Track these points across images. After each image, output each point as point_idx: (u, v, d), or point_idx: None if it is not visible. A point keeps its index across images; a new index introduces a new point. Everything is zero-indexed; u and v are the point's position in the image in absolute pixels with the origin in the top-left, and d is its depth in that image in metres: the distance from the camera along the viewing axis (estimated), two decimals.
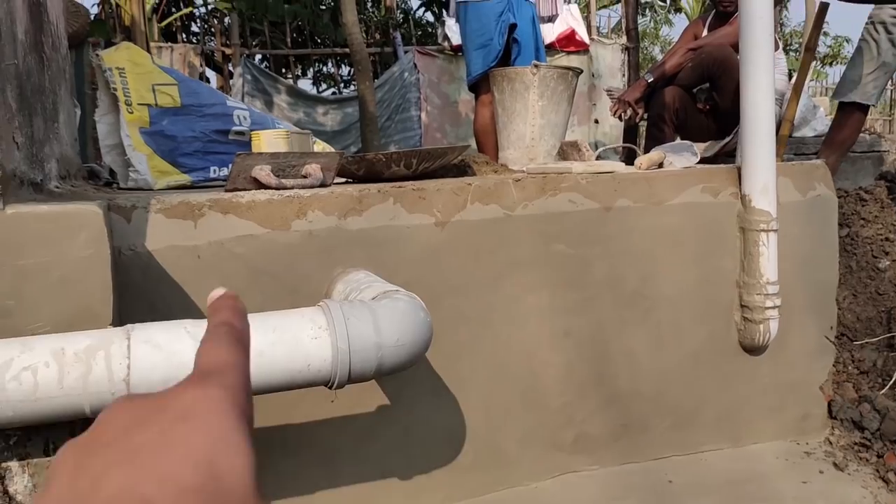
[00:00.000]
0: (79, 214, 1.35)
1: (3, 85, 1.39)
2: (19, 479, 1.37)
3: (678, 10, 17.21)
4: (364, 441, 1.94)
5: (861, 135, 4.47)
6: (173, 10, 10.56)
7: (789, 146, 4.00)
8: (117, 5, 8.30)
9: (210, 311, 0.42)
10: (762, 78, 2.17)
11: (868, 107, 3.63)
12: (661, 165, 2.49)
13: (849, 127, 3.66)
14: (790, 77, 4.20)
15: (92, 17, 7.13)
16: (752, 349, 2.29)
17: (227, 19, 9.05)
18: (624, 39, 8.49)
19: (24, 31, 1.71)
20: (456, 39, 7.94)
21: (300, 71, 10.86)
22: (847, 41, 18.90)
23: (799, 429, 2.38)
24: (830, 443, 2.34)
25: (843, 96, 3.65)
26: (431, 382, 1.99)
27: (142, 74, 2.45)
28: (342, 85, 11.17)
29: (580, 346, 2.13)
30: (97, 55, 2.43)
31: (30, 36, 1.78)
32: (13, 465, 1.36)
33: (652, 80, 3.94)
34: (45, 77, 1.97)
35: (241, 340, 0.38)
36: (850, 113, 3.65)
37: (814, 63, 3.81)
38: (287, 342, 1.34)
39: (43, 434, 1.36)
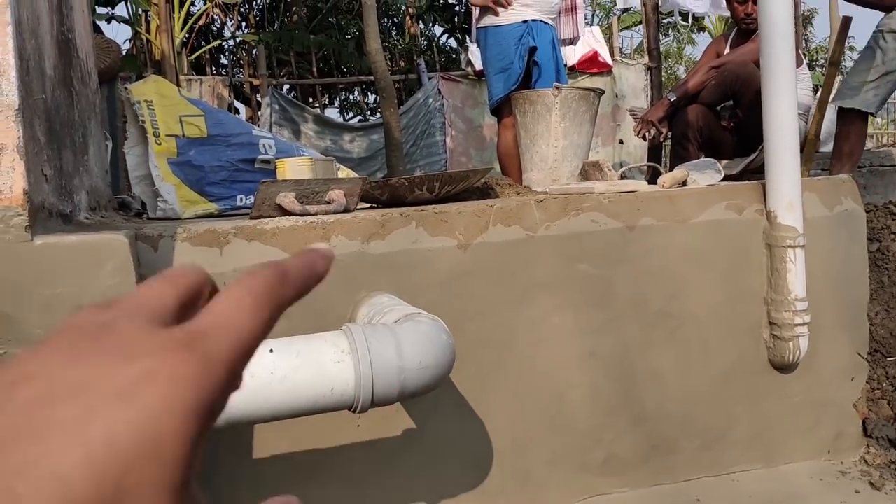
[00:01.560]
0: (105, 244, 1.37)
1: (31, 119, 1.43)
2: None
3: (701, 29, 17.19)
4: (390, 465, 1.94)
5: (890, 149, 4.41)
6: (202, 43, 10.78)
7: (816, 161, 3.96)
8: (148, 40, 8.50)
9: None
10: (785, 94, 2.16)
11: (867, 115, 3.58)
12: (684, 183, 2.48)
13: (853, 136, 3.62)
14: (816, 92, 4.17)
15: (123, 52, 7.30)
16: (783, 367, 2.26)
17: (254, 51, 9.21)
18: (647, 59, 8.49)
19: (53, 67, 1.76)
20: (479, 64, 7.98)
21: (327, 100, 11.01)
22: None
23: (833, 448, 2.33)
24: (866, 461, 2.29)
25: (843, 101, 3.61)
26: (456, 405, 1.99)
27: (169, 106, 2.50)
28: (368, 112, 11.29)
29: (606, 366, 2.12)
30: (125, 88, 2.49)
31: (58, 71, 1.83)
32: None
33: (675, 98, 3.93)
34: (75, 111, 2.02)
35: (275, 296, 0.30)
36: (850, 121, 3.61)
37: (838, 77, 3.77)
38: (310, 366, 1.35)
39: None
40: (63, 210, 1.67)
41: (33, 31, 1.54)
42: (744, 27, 3.97)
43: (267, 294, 0.30)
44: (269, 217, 1.93)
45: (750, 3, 3.84)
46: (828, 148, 4.63)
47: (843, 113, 3.62)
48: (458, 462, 2.00)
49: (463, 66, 9.07)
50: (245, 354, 0.29)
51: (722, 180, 2.49)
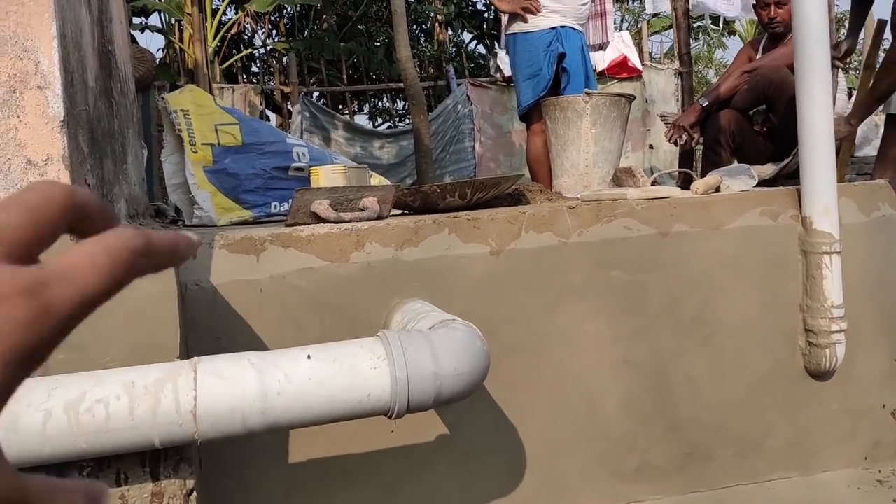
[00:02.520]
0: None
1: (75, 130, 1.47)
2: None
3: (732, 32, 17.04)
4: (423, 470, 1.95)
5: None
6: (233, 52, 10.91)
7: (851, 166, 3.91)
8: (181, 49, 8.63)
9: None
10: (820, 97, 2.14)
11: None
12: (717, 189, 2.46)
13: None
14: (850, 96, 4.12)
15: (157, 61, 7.42)
16: (819, 374, 2.23)
17: (285, 59, 9.32)
18: (677, 64, 8.44)
19: (95, 79, 1.80)
20: (508, 70, 8.00)
21: (356, 106, 11.08)
22: None
23: (871, 456, 2.30)
24: None
25: (892, 108, 3.56)
26: (490, 412, 2.00)
27: (205, 115, 2.54)
28: (397, 119, 11.35)
29: (640, 373, 2.11)
30: (163, 98, 2.54)
31: (100, 82, 1.87)
32: None
33: (707, 104, 3.90)
34: (115, 121, 2.06)
35: (132, 263, 0.29)
36: None
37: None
38: (347, 372, 1.37)
39: (114, 465, 1.41)
40: None
41: (76, 43, 1.58)
42: (770, 31, 3.94)
43: (125, 260, 0.29)
44: (305, 224, 1.95)
45: (773, 7, 3.81)
46: (862, 152, 4.57)
47: (891, 119, 3.58)
48: (490, 468, 2.01)
49: (492, 73, 9.09)
50: (83, 313, 0.28)
51: (755, 186, 2.47)
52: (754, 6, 4.05)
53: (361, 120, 11.24)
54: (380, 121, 12.02)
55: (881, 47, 3.99)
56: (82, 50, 1.64)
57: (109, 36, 2.09)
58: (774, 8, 3.80)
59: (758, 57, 4.03)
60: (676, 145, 4.02)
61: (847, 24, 3.50)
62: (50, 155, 1.34)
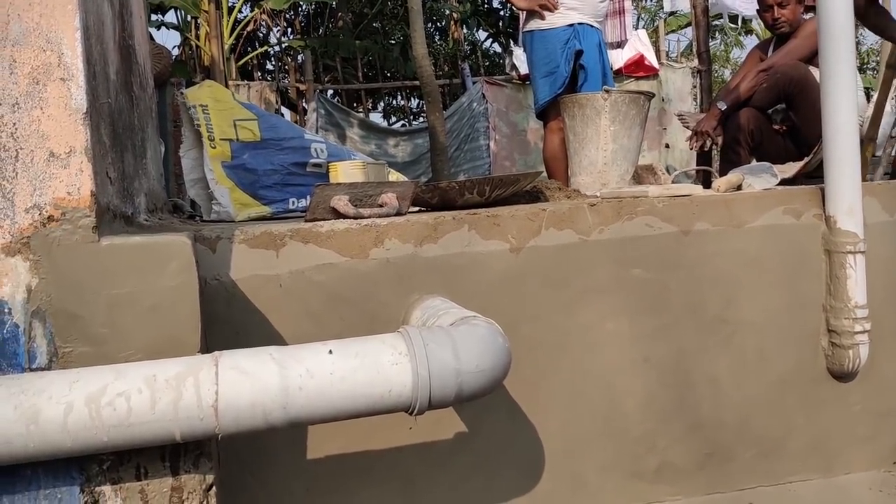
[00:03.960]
0: (169, 245, 1.40)
1: (97, 122, 1.46)
2: (112, 502, 1.41)
3: (749, 32, 16.93)
4: (442, 467, 1.94)
5: None
6: (249, 49, 10.94)
7: (873, 166, 3.87)
8: (197, 46, 8.65)
9: None
10: (845, 95, 2.11)
11: None
12: (739, 188, 2.44)
13: None
14: (868, 95, 4.08)
15: (173, 58, 7.44)
16: (842, 375, 2.21)
17: (300, 57, 9.32)
18: (694, 63, 8.39)
19: (116, 72, 1.80)
20: (524, 69, 7.99)
21: (371, 104, 11.09)
22: None
23: (893, 458, 2.27)
24: None
25: None
26: (509, 409, 1.98)
27: (224, 111, 2.54)
28: (411, 117, 11.35)
29: (660, 372, 2.09)
30: (181, 93, 2.54)
31: (120, 76, 1.87)
32: (106, 488, 1.41)
33: (726, 107, 3.87)
34: (135, 115, 2.06)
35: None
36: None
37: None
38: (368, 368, 1.36)
39: (134, 459, 1.40)
40: (125, 212, 1.70)
41: (99, 36, 1.58)
42: (777, 32, 3.92)
43: None
44: (324, 220, 1.94)
45: (776, 8, 3.80)
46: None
47: None
48: (509, 465, 1.99)
49: (507, 71, 9.06)
50: None
51: (777, 184, 2.45)
52: (758, 11, 4.04)
53: (376, 118, 11.25)
54: (394, 119, 12.02)
55: None
56: (104, 43, 1.64)
57: (130, 30, 2.09)
58: (777, 9, 3.80)
59: (770, 55, 4.00)
60: (701, 151, 3.98)
61: None
62: (73, 147, 1.34)
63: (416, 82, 7.08)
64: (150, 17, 8.49)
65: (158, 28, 10.14)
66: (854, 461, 2.26)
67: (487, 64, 11.11)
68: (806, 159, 3.65)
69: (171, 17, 10.47)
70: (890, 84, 3.60)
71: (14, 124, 1.32)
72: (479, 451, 1.97)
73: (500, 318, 1.67)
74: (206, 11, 7.61)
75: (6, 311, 1.32)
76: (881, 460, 2.28)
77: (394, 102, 12.05)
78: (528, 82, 7.89)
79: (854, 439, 2.25)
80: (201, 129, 2.51)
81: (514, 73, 8.60)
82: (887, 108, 3.69)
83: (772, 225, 2.17)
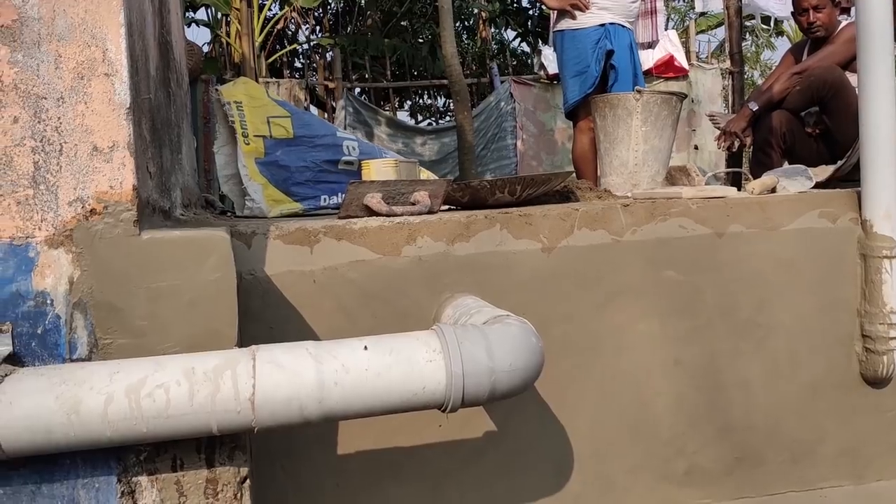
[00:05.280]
0: (208, 240, 1.41)
1: (139, 118, 1.49)
2: (148, 493, 1.43)
3: (780, 33, 16.74)
4: (470, 466, 1.95)
5: None
6: (278, 47, 11.01)
7: None
8: (228, 44, 8.73)
9: None
10: (884, 98, 2.09)
11: None
12: (773, 190, 2.41)
13: None
14: None
15: (204, 54, 7.51)
16: (875, 381, 2.18)
17: (329, 55, 9.37)
18: (724, 64, 8.32)
19: (155, 68, 1.82)
20: (552, 68, 7.97)
21: (398, 102, 11.11)
22: None
23: None
24: None
25: None
26: (538, 409, 1.98)
27: (258, 108, 2.56)
28: (438, 116, 11.36)
29: (691, 375, 2.08)
30: (216, 90, 2.57)
31: (159, 72, 1.90)
32: (143, 479, 1.43)
33: (757, 108, 3.83)
34: (171, 111, 2.09)
35: None
36: None
37: None
38: (402, 364, 1.36)
39: (171, 451, 1.42)
40: (163, 206, 1.72)
41: (141, 32, 1.60)
42: (812, 36, 3.88)
43: None
44: (357, 217, 1.96)
45: (812, 12, 3.75)
46: None
47: None
48: (538, 465, 1.99)
49: (535, 70, 9.04)
50: None
51: (812, 187, 2.42)
52: (793, 13, 4.01)
53: (403, 116, 11.28)
54: (421, 117, 12.03)
55: None
56: (145, 39, 1.66)
57: (168, 26, 2.11)
58: (813, 13, 3.75)
59: (805, 59, 3.95)
60: (730, 151, 3.95)
61: None
62: (115, 142, 1.36)
63: (444, 81, 7.09)
64: (185, 13, 8.59)
65: (189, 25, 10.24)
66: (887, 468, 2.23)
67: (515, 63, 11.08)
68: (840, 163, 3.60)
69: (202, 14, 10.56)
70: None
71: (59, 118, 1.34)
72: (508, 451, 1.97)
73: (532, 318, 1.67)
74: (237, 9, 7.68)
75: (48, 302, 1.34)
76: None
77: (420, 101, 12.07)
78: (556, 82, 7.87)
79: (887, 446, 2.22)
80: (235, 125, 2.54)
81: (542, 73, 8.58)
82: None
83: (807, 228, 2.15)
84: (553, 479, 2.02)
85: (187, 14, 10.06)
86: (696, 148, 8.41)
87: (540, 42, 10.53)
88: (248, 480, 1.45)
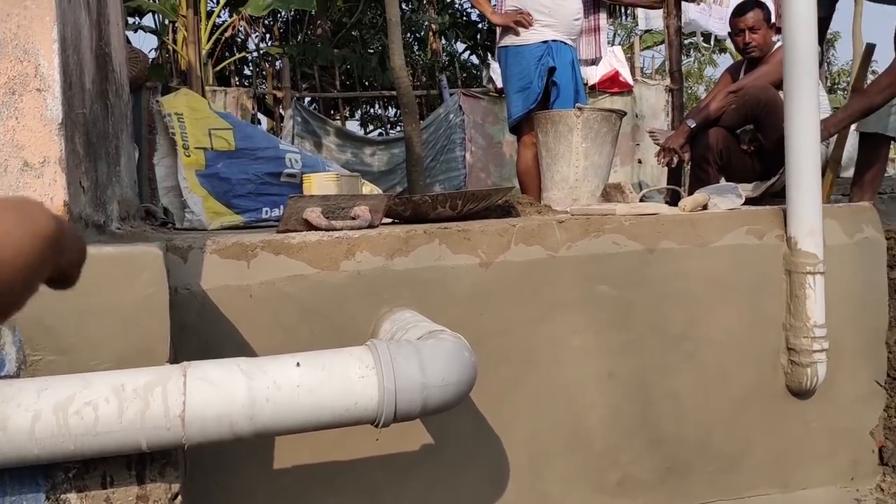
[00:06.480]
0: (141, 256, 1.41)
1: (71, 132, 1.48)
2: None
3: (723, 50, 17.18)
4: (407, 478, 1.96)
5: None
6: (227, 54, 10.91)
7: (838, 187, 3.96)
8: (174, 51, 8.62)
9: None
10: (807, 119, 2.17)
11: (890, 139, 3.56)
12: (705, 207, 2.49)
13: (875, 162, 3.60)
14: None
15: (150, 62, 7.41)
16: (800, 393, 2.26)
17: (278, 63, 9.32)
18: (668, 81, 8.52)
19: (92, 81, 1.81)
20: (500, 82, 8.03)
21: (348, 112, 11.10)
22: None
23: (849, 475, 2.33)
24: (882, 490, 2.29)
25: (866, 126, 3.59)
26: (475, 422, 2.01)
27: (199, 119, 2.55)
28: (389, 126, 11.37)
29: (624, 388, 2.13)
30: (157, 101, 2.55)
31: (96, 85, 1.88)
32: (71, 496, 1.42)
33: (695, 125, 3.94)
34: (109, 123, 2.07)
35: None
36: (873, 147, 3.58)
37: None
38: (335, 380, 1.38)
39: (100, 467, 1.41)
40: (97, 221, 1.71)
41: (76, 46, 1.59)
42: (747, 56, 4.01)
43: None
44: (296, 231, 1.96)
45: (747, 33, 3.88)
46: (847, 173, 4.62)
47: (865, 138, 3.61)
48: (474, 477, 2.02)
49: (484, 83, 9.13)
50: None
51: (742, 204, 2.50)
52: (730, 34, 4.14)
53: (352, 126, 11.26)
54: (371, 127, 12.04)
55: (869, 70, 4.04)
56: (81, 52, 1.65)
57: (107, 38, 2.10)
58: (749, 34, 3.88)
59: (741, 77, 4.08)
60: (669, 167, 4.05)
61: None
62: (47, 157, 1.35)
63: (394, 92, 7.11)
64: (127, 21, 8.45)
65: (136, 31, 10.09)
66: (811, 477, 2.31)
67: (465, 76, 11.17)
68: (772, 180, 3.73)
69: (148, 20, 10.40)
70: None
71: None
72: (445, 463, 1.99)
73: (469, 332, 1.70)
74: (183, 16, 7.59)
75: None
76: (838, 476, 2.33)
77: (371, 111, 12.08)
78: (504, 95, 7.96)
79: (812, 455, 2.31)
80: (176, 137, 2.52)
81: (491, 86, 8.67)
82: (852, 129, 3.78)
83: (735, 245, 2.22)
84: (489, 491, 2.05)
85: (133, 20, 9.92)
86: (639, 162, 8.59)
87: (489, 55, 10.64)
88: (179, 496, 1.45)
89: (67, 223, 0.41)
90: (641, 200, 2.78)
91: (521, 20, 4.00)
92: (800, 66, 2.18)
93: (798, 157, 2.20)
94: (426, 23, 11.86)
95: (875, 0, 3.53)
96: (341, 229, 1.98)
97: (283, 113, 8.58)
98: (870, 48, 3.72)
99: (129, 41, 7.86)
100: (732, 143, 3.93)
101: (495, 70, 8.39)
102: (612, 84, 8.56)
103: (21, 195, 0.39)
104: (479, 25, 11.95)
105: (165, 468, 1.43)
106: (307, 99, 9.62)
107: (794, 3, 2.16)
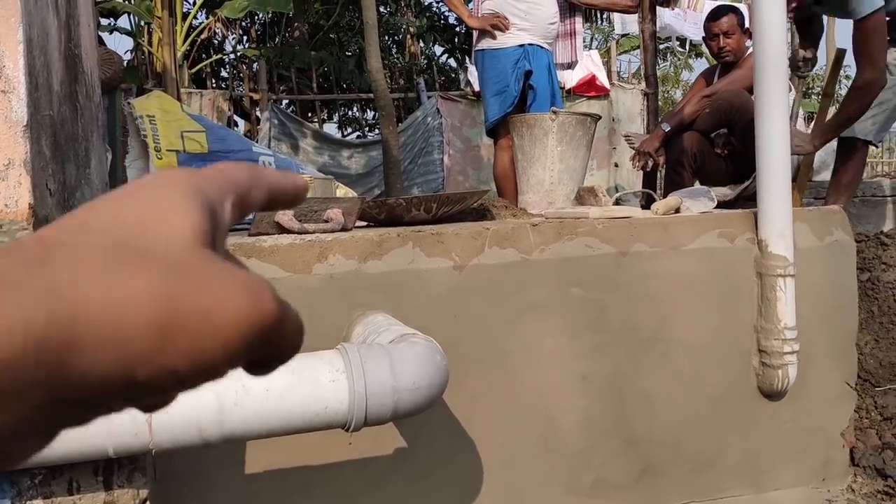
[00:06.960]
0: None
1: (38, 135, 1.46)
2: None
3: (698, 55, 17.33)
4: (381, 483, 1.96)
5: (882, 178, 4.45)
6: (203, 56, 10.84)
7: (810, 190, 4.00)
8: (149, 52, 8.55)
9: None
10: (777, 123, 2.20)
11: (867, 143, 3.60)
12: (678, 210, 2.51)
13: (852, 167, 3.65)
14: (809, 121, 4.22)
15: (125, 63, 7.34)
16: (771, 394, 2.28)
17: (255, 66, 9.27)
18: (643, 85, 8.58)
19: (60, 82, 1.79)
20: (478, 85, 8.06)
21: (326, 115, 11.06)
22: None
23: (821, 475, 2.36)
24: (853, 490, 2.31)
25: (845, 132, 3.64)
26: (449, 425, 2.01)
27: (171, 122, 2.53)
28: (366, 129, 11.35)
29: (598, 390, 2.14)
30: (128, 103, 2.53)
31: (65, 86, 1.86)
32: (38, 503, 1.40)
33: (669, 129, 3.98)
34: (79, 125, 2.05)
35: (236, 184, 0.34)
36: (850, 151, 3.63)
37: (832, 108, 3.82)
38: (305, 384, 1.37)
39: (67, 473, 1.40)
40: None
41: (42, 47, 1.57)
42: (722, 61, 4.05)
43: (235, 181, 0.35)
44: (268, 234, 1.95)
45: (721, 38, 3.93)
46: (820, 177, 4.67)
47: (842, 142, 3.65)
48: (448, 480, 2.02)
49: (462, 86, 9.15)
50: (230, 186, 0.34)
51: (715, 208, 2.53)
52: (704, 39, 4.18)
53: (330, 129, 11.23)
54: (349, 130, 12.01)
55: (841, 75, 4.09)
56: (48, 54, 1.63)
57: (77, 39, 2.08)
58: (723, 38, 3.93)
59: (716, 81, 4.12)
60: (643, 170, 4.08)
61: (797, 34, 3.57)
62: (11, 160, 1.33)
63: (372, 94, 7.10)
64: (99, 22, 8.37)
65: (111, 33, 9.99)
66: (783, 477, 2.33)
67: (443, 79, 11.17)
68: (745, 183, 3.76)
69: (123, 21, 10.30)
70: (826, 111, 3.74)
71: None
72: (419, 466, 1.99)
73: (442, 335, 1.70)
74: (159, 17, 7.52)
75: None
76: (809, 477, 2.36)
77: (349, 114, 12.05)
78: (481, 98, 7.97)
79: (783, 456, 2.33)
80: (148, 139, 2.50)
81: (468, 89, 8.68)
82: None
83: (707, 247, 2.24)
84: (464, 494, 2.05)
85: (108, 22, 9.83)
86: (616, 165, 8.63)
87: (467, 59, 10.66)
88: (147, 502, 1.43)
89: (292, 309, 0.29)
90: (616, 203, 2.79)
91: (498, 24, 4.01)
92: (770, 70, 2.20)
93: (768, 161, 2.22)
94: (404, 26, 11.86)
95: (831, 14, 3.58)
96: (314, 232, 1.98)
97: (259, 115, 8.53)
98: (840, 53, 3.77)
99: (102, 42, 7.79)
100: (706, 147, 3.96)
101: (473, 73, 8.40)
102: (589, 88, 8.61)
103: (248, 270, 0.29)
104: (457, 29, 11.97)
105: (133, 474, 1.42)
106: (284, 101, 9.58)
107: (764, 8, 2.18)
